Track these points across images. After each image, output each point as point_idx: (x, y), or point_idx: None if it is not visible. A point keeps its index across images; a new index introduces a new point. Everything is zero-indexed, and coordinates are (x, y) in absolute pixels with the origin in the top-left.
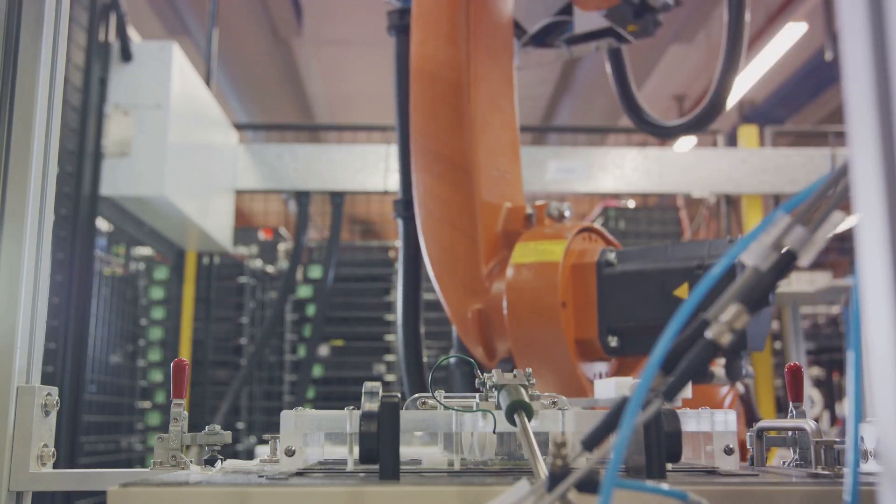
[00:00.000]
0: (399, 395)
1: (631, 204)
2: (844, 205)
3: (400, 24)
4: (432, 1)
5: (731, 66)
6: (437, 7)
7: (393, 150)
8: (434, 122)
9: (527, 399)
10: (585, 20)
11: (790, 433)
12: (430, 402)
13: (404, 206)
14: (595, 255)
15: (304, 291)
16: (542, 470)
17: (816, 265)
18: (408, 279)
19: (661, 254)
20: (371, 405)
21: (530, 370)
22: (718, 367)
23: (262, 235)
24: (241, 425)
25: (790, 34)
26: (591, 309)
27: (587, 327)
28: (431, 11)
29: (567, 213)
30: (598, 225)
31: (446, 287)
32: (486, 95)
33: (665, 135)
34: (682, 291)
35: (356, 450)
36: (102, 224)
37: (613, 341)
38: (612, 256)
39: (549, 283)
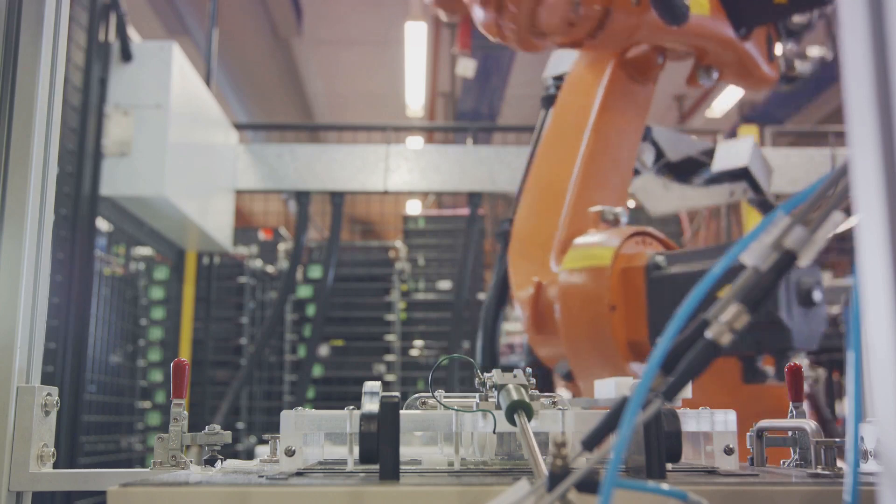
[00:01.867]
0: (399, 394)
1: (631, 203)
2: (844, 205)
3: (553, 96)
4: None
5: None
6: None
7: (393, 150)
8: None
9: (527, 399)
10: (723, 161)
11: (790, 433)
12: (430, 402)
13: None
14: (644, 259)
15: (304, 291)
16: (542, 470)
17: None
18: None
19: (710, 255)
20: (371, 405)
21: (530, 370)
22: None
23: (262, 235)
24: (241, 425)
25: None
26: (641, 311)
27: (638, 329)
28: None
29: (623, 219)
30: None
31: (517, 262)
32: (604, 140)
33: None
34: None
35: (356, 450)
36: (102, 224)
37: None
38: (661, 260)
39: (598, 287)
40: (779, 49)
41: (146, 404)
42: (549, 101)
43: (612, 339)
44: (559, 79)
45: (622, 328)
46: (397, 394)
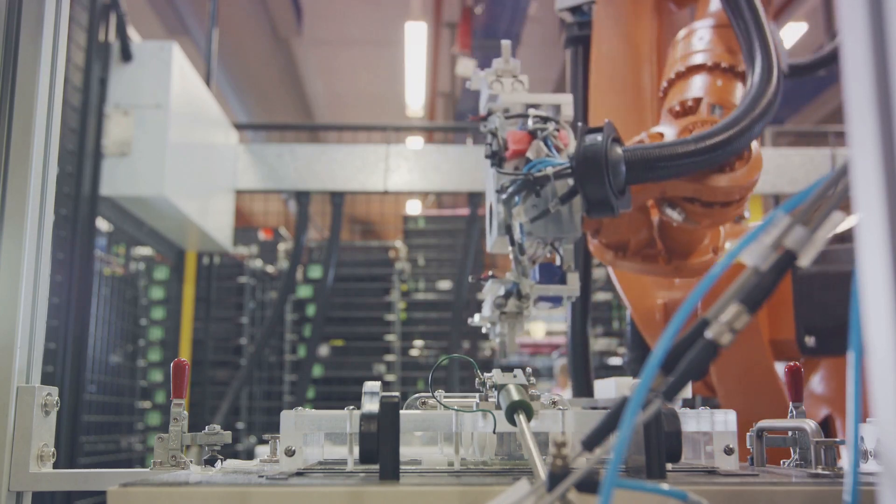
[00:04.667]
0: (399, 394)
1: None
2: (844, 205)
3: (578, 36)
4: None
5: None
6: None
7: (393, 150)
8: None
9: (527, 399)
10: None
11: (790, 433)
12: (430, 402)
13: None
14: None
15: (304, 291)
16: (542, 470)
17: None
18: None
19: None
20: (371, 405)
21: (530, 370)
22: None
23: (262, 235)
24: (241, 425)
25: (790, 34)
26: (785, 309)
27: (782, 328)
28: None
29: (746, 214)
30: None
31: (627, 280)
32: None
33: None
34: None
35: (356, 450)
36: (102, 224)
37: (811, 341)
38: None
39: None
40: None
41: (146, 404)
42: (575, 41)
43: (761, 337)
44: (578, 11)
45: (766, 327)
46: (397, 394)
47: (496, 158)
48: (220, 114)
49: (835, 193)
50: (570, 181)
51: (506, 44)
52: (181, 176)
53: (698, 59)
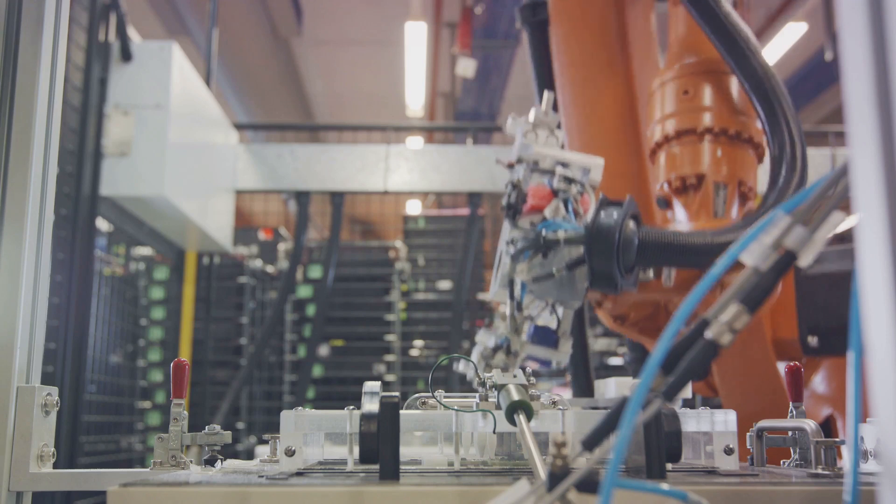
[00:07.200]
0: (399, 394)
1: None
2: (844, 205)
3: (534, 21)
4: None
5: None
6: None
7: (393, 150)
8: None
9: (527, 399)
10: None
11: (790, 433)
12: (430, 401)
13: None
14: None
15: (304, 291)
16: (542, 470)
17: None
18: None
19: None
20: (371, 405)
21: (531, 370)
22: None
23: (262, 235)
24: (241, 425)
25: (790, 34)
26: (788, 309)
27: (785, 327)
28: None
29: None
30: None
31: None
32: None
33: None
34: None
35: (356, 450)
36: (102, 224)
37: (814, 341)
38: None
39: None
40: None
41: (146, 404)
42: (532, 25)
43: (760, 337)
44: None
45: (769, 326)
46: (397, 394)
47: (511, 211)
48: (220, 114)
49: (835, 193)
50: (581, 249)
51: (548, 95)
52: (181, 176)
53: (692, 121)
